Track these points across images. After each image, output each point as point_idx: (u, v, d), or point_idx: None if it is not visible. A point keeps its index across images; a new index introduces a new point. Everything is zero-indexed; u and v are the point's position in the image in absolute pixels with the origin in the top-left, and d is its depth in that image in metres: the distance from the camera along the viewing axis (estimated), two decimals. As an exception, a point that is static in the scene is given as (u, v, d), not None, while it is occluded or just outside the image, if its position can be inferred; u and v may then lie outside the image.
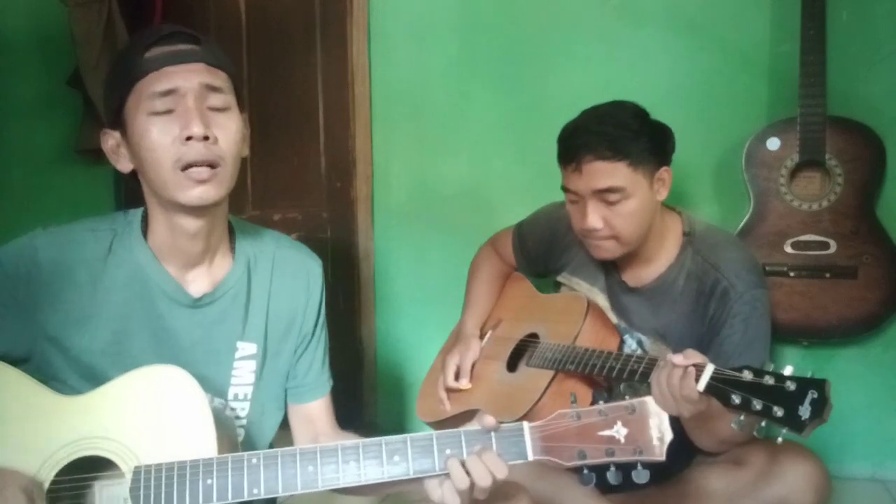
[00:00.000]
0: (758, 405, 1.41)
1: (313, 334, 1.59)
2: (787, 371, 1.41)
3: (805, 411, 1.36)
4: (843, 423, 2.57)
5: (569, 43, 2.75)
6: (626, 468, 1.22)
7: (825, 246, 2.41)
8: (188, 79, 1.34)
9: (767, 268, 2.41)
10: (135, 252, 1.44)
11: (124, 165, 1.42)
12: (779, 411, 1.38)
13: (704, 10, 2.62)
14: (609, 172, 1.87)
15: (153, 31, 1.37)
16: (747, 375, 1.44)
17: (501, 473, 1.23)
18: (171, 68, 1.34)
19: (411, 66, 2.92)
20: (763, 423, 1.43)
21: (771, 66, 2.57)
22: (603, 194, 1.88)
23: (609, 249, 1.96)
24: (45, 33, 3.21)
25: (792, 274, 2.44)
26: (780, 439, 1.42)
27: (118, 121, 1.38)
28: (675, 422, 1.40)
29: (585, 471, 1.23)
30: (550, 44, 2.77)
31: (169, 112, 1.33)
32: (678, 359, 1.54)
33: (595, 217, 1.90)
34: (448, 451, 1.24)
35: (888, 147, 2.40)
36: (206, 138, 1.33)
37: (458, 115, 2.89)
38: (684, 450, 1.88)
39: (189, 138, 1.32)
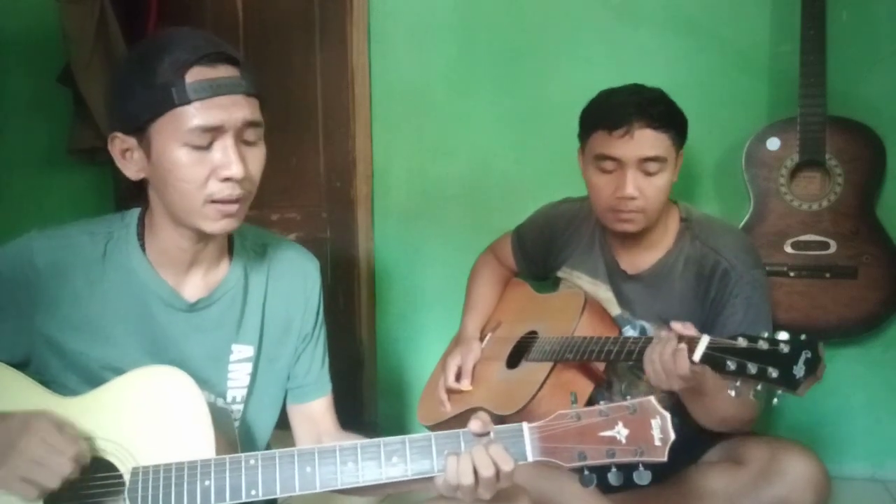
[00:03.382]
0: (753, 369, 1.45)
1: (312, 335, 1.59)
2: (782, 336, 1.44)
3: (799, 370, 1.41)
4: (843, 423, 2.58)
5: (569, 43, 2.75)
6: (627, 469, 1.22)
7: (825, 246, 2.41)
8: (232, 113, 1.30)
9: (767, 268, 2.39)
10: (130, 256, 1.43)
11: (134, 173, 1.37)
12: (773, 372, 1.42)
13: (704, 10, 2.62)
14: (658, 141, 1.90)
15: (188, 43, 1.30)
16: (742, 342, 1.48)
17: (506, 465, 1.23)
18: (216, 100, 1.28)
19: (411, 66, 2.91)
20: (759, 387, 1.45)
21: (771, 66, 2.57)
22: (645, 163, 1.91)
23: (635, 222, 1.97)
24: (40, 30, 3.18)
25: (792, 274, 2.43)
26: (775, 400, 1.45)
27: (138, 130, 1.32)
28: (676, 420, 1.41)
29: (586, 472, 1.23)
30: (550, 44, 2.76)
31: (208, 146, 1.30)
32: (677, 326, 1.59)
33: (633, 186, 1.92)
34: (447, 452, 1.24)
35: (888, 147, 2.40)
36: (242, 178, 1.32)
37: (458, 115, 2.88)
38: (685, 450, 1.88)
39: (228, 179, 1.31)
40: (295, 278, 1.57)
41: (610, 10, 2.70)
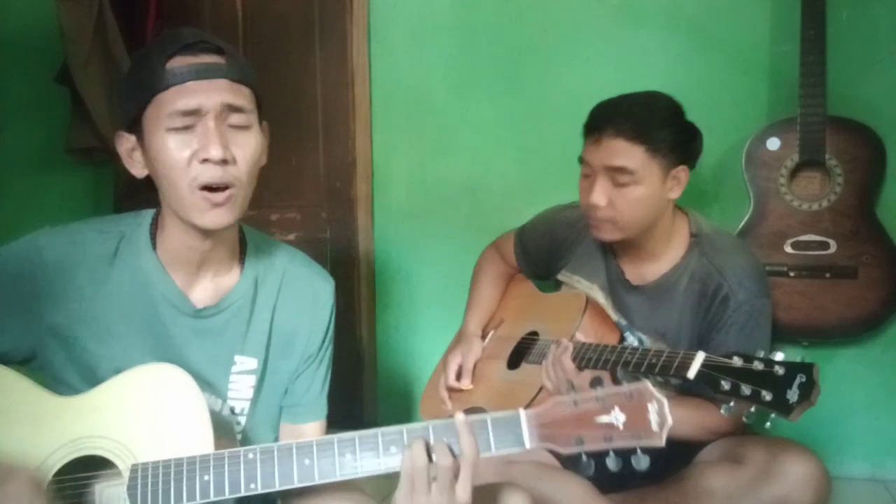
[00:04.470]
0: (747, 390, 1.45)
1: (316, 356, 1.57)
2: (778, 357, 1.44)
3: (793, 395, 1.41)
4: (843, 423, 2.58)
5: (569, 43, 2.75)
6: (625, 454, 1.22)
7: (825, 246, 2.41)
8: (210, 97, 1.30)
9: (767, 268, 2.40)
10: (141, 257, 1.43)
11: (138, 171, 1.39)
12: (767, 395, 1.43)
13: (704, 10, 2.62)
14: (625, 152, 1.88)
15: (176, 37, 1.33)
16: (737, 362, 1.49)
17: (444, 460, 1.22)
18: (194, 84, 1.30)
19: (411, 66, 2.92)
20: (753, 409, 1.45)
21: (771, 66, 2.58)
22: (614, 173, 1.89)
23: (606, 231, 1.97)
24: (38, 29, 3.17)
25: (792, 274, 2.43)
26: (768, 424, 1.46)
27: (135, 126, 1.36)
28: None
29: (584, 458, 1.23)
30: (550, 44, 2.77)
31: (188, 129, 1.31)
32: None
33: (600, 194, 1.92)
34: (444, 440, 1.24)
35: (888, 147, 2.40)
36: (224, 161, 1.31)
37: (458, 115, 2.89)
38: (684, 448, 1.88)
39: (206, 160, 1.31)
40: (305, 295, 1.56)
41: (610, 10, 2.71)
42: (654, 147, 1.88)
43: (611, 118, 1.91)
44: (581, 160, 1.98)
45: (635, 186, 1.89)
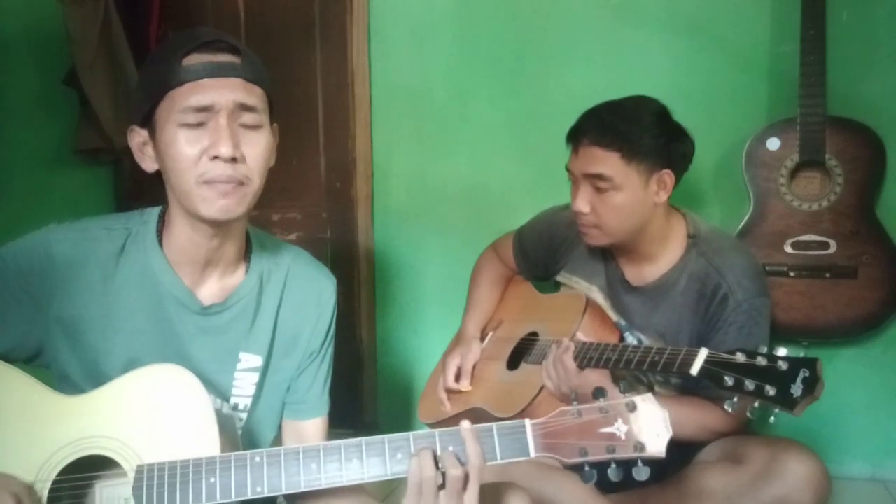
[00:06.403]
0: (750, 385, 1.45)
1: (319, 352, 1.58)
2: (781, 352, 1.45)
3: (797, 389, 1.41)
4: (843, 423, 2.58)
5: (569, 43, 2.75)
6: (626, 465, 1.23)
7: (825, 246, 2.41)
8: (224, 94, 1.31)
9: (767, 268, 2.41)
10: (148, 254, 1.43)
11: (149, 165, 1.41)
12: (771, 390, 1.43)
13: (704, 10, 2.62)
14: (600, 160, 1.90)
15: (193, 35, 1.35)
16: (740, 357, 1.49)
17: (455, 470, 1.23)
18: (208, 81, 1.31)
19: (411, 66, 2.92)
20: (756, 404, 1.45)
21: (771, 66, 2.58)
22: (593, 180, 1.92)
23: (594, 237, 1.99)
24: (44, 32, 3.18)
25: (792, 274, 2.44)
26: (772, 419, 1.46)
27: (148, 121, 1.37)
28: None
29: (586, 468, 1.24)
30: (550, 44, 2.77)
31: (200, 125, 1.32)
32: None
33: (582, 201, 1.95)
34: (451, 449, 1.24)
35: (888, 147, 2.40)
36: (233, 159, 1.32)
37: (458, 115, 2.89)
38: (684, 448, 1.88)
39: (216, 157, 1.31)
40: (310, 293, 1.57)
41: (610, 11, 2.71)
42: (630, 153, 1.89)
43: (587, 127, 1.93)
44: (567, 168, 2.00)
45: (615, 193, 1.91)
